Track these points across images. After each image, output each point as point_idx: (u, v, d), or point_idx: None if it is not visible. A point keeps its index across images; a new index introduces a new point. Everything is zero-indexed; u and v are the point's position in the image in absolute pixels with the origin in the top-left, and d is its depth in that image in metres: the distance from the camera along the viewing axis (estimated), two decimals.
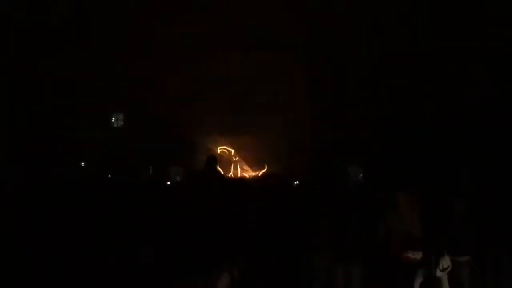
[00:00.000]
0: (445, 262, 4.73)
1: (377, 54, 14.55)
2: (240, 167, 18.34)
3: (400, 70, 14.07)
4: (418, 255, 4.49)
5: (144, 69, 16.33)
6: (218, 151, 18.35)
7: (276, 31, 15.91)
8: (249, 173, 17.71)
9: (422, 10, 14.04)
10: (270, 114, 17.69)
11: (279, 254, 5.03)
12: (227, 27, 16.20)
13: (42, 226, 4.95)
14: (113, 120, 19.84)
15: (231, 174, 17.48)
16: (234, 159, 18.44)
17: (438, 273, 4.75)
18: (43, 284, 4.47)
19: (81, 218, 5.20)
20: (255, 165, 18.42)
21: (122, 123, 19.63)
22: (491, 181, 5.62)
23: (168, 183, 10.39)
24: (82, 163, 16.60)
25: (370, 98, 14.78)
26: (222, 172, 6.13)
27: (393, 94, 14.25)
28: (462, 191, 5.27)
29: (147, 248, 4.84)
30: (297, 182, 8.27)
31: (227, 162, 18.50)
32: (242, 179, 8.44)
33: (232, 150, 18.48)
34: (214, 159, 6.05)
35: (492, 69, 12.67)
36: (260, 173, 16.04)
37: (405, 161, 12.46)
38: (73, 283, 4.52)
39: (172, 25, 16.37)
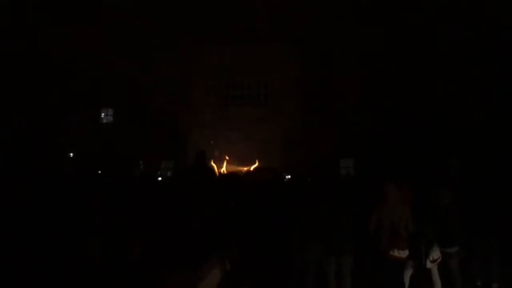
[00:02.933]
0: (435, 253, 4.78)
1: (369, 46, 14.57)
2: (232, 163, 18.33)
3: (391, 62, 14.12)
4: (404, 254, 4.53)
5: (133, 63, 16.19)
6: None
7: (266, 22, 15.85)
8: (241, 168, 17.69)
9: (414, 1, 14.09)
10: (260, 107, 17.69)
11: (271, 247, 5.04)
12: (216, 19, 16.10)
13: (29, 218, 4.88)
14: (102, 116, 19.70)
15: (223, 169, 17.45)
16: (227, 158, 18.44)
17: (428, 264, 4.80)
18: (29, 273, 4.43)
19: (70, 212, 5.13)
20: (247, 159, 18.41)
21: (111, 118, 19.51)
22: (479, 172, 5.67)
23: (160, 178, 10.27)
24: (71, 154, 16.40)
25: (361, 91, 14.83)
26: (213, 167, 6.09)
27: (384, 86, 14.31)
28: (451, 182, 5.29)
29: (136, 240, 4.81)
30: (289, 176, 8.27)
31: (219, 158, 18.50)
32: (234, 173, 8.43)
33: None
34: (204, 154, 6.01)
35: (480, 61, 12.77)
36: (252, 167, 16.01)
37: (396, 153, 12.55)
38: (63, 276, 4.49)
39: (161, 18, 16.24)
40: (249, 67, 17.09)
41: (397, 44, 14.07)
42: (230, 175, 8.17)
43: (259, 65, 17.02)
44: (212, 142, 18.52)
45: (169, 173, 16.86)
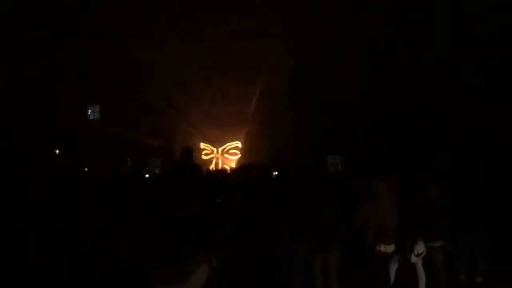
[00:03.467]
0: (420, 247, 4.83)
1: (358, 43, 14.64)
2: (221, 161, 18.36)
3: (380, 58, 14.20)
4: (390, 248, 4.56)
5: (121, 60, 16.02)
6: (201, 146, 18.29)
7: (256, 20, 15.81)
8: (229, 164, 17.72)
9: None
10: (249, 104, 17.67)
11: (258, 243, 5.05)
12: (206, 17, 16.02)
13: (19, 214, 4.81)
14: (89, 112, 19.48)
15: (212, 166, 17.43)
16: (216, 154, 18.43)
17: (413, 259, 4.85)
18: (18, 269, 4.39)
19: (58, 209, 5.08)
20: (236, 156, 18.44)
21: (98, 115, 19.30)
22: (465, 166, 5.75)
23: (147, 175, 10.23)
24: (57, 151, 16.21)
25: (351, 87, 14.89)
26: (197, 164, 6.05)
27: (373, 82, 14.40)
28: (438, 176, 5.35)
29: (123, 237, 4.77)
30: (276, 172, 8.29)
31: (209, 156, 18.50)
32: (222, 170, 8.43)
33: (214, 149, 18.51)
34: (189, 151, 5.98)
35: (472, 57, 12.88)
36: (239, 164, 16.04)
37: (383, 149, 12.65)
38: (50, 272, 4.44)
39: (152, 16, 16.11)
40: (238, 65, 17.05)
41: (388, 42, 14.16)
42: (217, 171, 8.18)
43: (248, 63, 16.98)
44: (204, 144, 18.54)
45: (157, 170, 16.78)
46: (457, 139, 11.09)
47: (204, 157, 18.11)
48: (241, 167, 10.42)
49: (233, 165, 17.32)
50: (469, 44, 13.03)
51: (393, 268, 5.00)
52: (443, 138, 11.78)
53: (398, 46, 13.90)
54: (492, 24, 12.47)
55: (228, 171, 11.38)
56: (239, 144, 18.41)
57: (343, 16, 14.54)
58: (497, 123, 11.28)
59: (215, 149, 18.49)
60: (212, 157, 18.40)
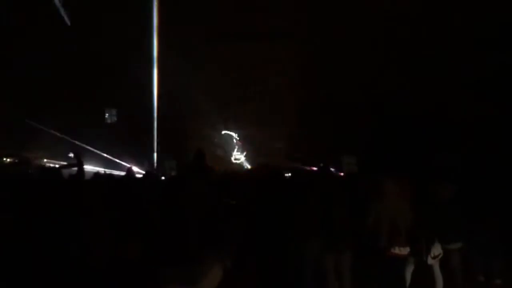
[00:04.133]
0: (436, 249, 4.72)
1: (371, 44, 14.50)
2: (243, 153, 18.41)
3: (392, 59, 14.06)
4: (404, 251, 4.47)
5: (135, 61, 16.22)
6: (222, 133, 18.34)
7: (269, 19, 15.82)
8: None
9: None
10: (262, 105, 17.66)
11: (270, 244, 5.01)
12: (219, 18, 16.10)
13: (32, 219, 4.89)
14: (106, 116, 19.77)
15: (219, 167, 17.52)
16: (239, 142, 18.44)
17: (430, 261, 4.75)
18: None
19: (72, 211, 5.14)
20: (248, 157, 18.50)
21: (115, 118, 19.58)
22: (481, 167, 5.61)
23: (163, 178, 10.31)
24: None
25: (363, 87, 14.76)
26: (209, 166, 6.05)
27: (385, 83, 14.24)
28: (453, 177, 5.23)
29: (135, 240, 4.80)
30: (289, 174, 8.23)
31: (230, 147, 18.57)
32: (233, 172, 8.46)
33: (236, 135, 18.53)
34: (202, 154, 5.98)
35: (479, 57, 12.64)
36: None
37: (396, 149, 12.49)
38: (63, 274, 4.50)
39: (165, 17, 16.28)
40: (252, 64, 17.06)
41: (397, 41, 14.00)
42: (230, 173, 8.19)
43: (263, 62, 16.98)
44: (214, 141, 18.60)
45: (173, 173, 16.93)
46: (471, 140, 10.85)
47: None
48: (253, 168, 10.43)
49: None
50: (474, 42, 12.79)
51: (409, 270, 4.91)
52: (458, 139, 11.55)
53: (412, 46, 13.72)
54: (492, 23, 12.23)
55: (238, 172, 11.41)
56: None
57: (358, 15, 14.43)
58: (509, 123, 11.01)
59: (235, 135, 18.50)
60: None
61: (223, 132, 18.51)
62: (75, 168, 5.43)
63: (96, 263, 4.58)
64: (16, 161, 15.21)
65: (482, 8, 12.19)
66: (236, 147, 18.74)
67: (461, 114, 12.51)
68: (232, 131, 18.34)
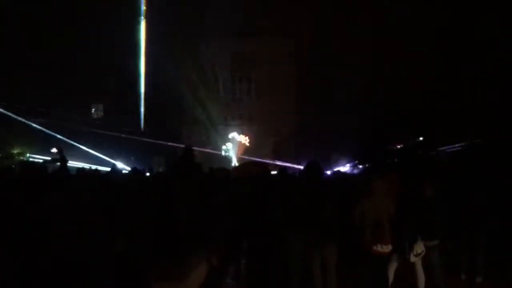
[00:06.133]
0: (419, 247, 4.78)
1: (365, 44, 14.61)
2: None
3: (385, 59, 14.18)
4: (387, 248, 4.52)
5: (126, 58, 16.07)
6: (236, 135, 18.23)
7: (265, 18, 15.82)
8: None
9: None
10: (254, 102, 17.66)
11: (256, 241, 5.04)
12: (211, 14, 16.04)
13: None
14: (93, 111, 19.59)
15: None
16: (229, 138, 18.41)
17: (412, 259, 4.81)
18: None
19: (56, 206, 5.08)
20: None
21: (102, 113, 19.41)
22: (467, 165, 5.70)
23: (148, 174, 10.21)
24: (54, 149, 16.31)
25: (356, 87, 14.87)
26: (198, 163, 6.01)
27: (378, 81, 14.36)
28: (437, 175, 5.31)
29: (121, 235, 4.77)
30: (275, 172, 8.25)
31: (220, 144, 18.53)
32: (222, 168, 8.44)
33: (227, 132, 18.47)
34: (191, 150, 5.94)
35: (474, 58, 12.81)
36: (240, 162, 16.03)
37: (383, 147, 12.63)
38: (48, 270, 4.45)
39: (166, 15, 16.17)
40: (248, 62, 17.06)
41: (393, 40, 14.12)
42: (218, 169, 8.18)
43: (253, 60, 16.98)
44: (203, 138, 18.54)
45: (160, 169, 16.82)
46: (456, 139, 11.02)
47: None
48: (242, 165, 10.42)
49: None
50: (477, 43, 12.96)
51: (392, 268, 4.96)
52: (444, 136, 11.72)
53: (409, 45, 13.86)
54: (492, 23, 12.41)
55: (227, 169, 11.38)
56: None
57: (354, 15, 14.52)
58: (499, 124, 11.20)
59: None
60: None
61: (213, 128, 18.46)
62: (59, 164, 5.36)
63: (81, 259, 4.54)
64: (0, 156, 14.97)
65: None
66: (226, 143, 18.70)
67: (452, 113, 12.68)
68: (223, 127, 18.30)
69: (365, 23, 14.34)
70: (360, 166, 12.07)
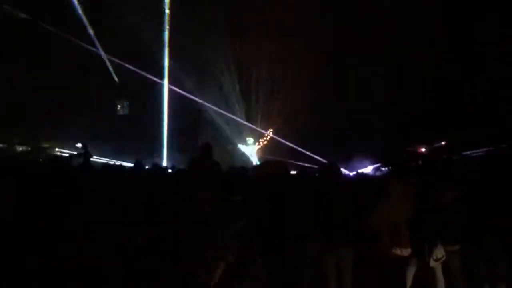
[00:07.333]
0: (439, 252, 4.69)
1: (379, 44, 14.43)
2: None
3: (401, 60, 13.97)
4: (406, 252, 4.46)
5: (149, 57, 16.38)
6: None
7: (280, 18, 15.81)
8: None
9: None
10: (274, 101, 17.66)
11: (272, 241, 5.03)
12: (229, 14, 16.15)
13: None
14: (118, 108, 20.02)
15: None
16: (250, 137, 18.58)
17: (432, 263, 4.72)
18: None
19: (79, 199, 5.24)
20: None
21: (127, 111, 19.83)
22: (486, 170, 5.53)
23: (170, 170, 10.38)
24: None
25: (373, 88, 14.69)
26: (215, 160, 6.08)
27: (395, 84, 14.15)
28: (457, 179, 5.17)
29: (140, 228, 4.89)
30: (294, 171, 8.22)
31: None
32: (240, 167, 8.49)
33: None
34: (209, 147, 6.01)
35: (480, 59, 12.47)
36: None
37: (402, 150, 12.44)
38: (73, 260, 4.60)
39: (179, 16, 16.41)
40: (262, 62, 17.09)
41: (407, 44, 13.90)
42: (236, 168, 8.22)
43: (272, 61, 16.99)
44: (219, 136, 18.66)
45: (181, 166, 17.03)
46: (478, 144, 10.72)
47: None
48: (260, 164, 10.46)
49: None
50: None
51: (411, 271, 4.89)
52: (463, 141, 11.44)
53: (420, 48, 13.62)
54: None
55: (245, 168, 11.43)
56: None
57: (368, 16, 14.36)
58: None
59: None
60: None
61: (235, 127, 18.59)
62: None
63: (102, 250, 4.68)
64: (29, 149, 15.46)
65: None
66: (246, 141, 18.82)
67: (472, 117, 12.39)
68: (244, 126, 18.38)
69: (384, 22, 14.13)
70: (383, 169, 11.92)
